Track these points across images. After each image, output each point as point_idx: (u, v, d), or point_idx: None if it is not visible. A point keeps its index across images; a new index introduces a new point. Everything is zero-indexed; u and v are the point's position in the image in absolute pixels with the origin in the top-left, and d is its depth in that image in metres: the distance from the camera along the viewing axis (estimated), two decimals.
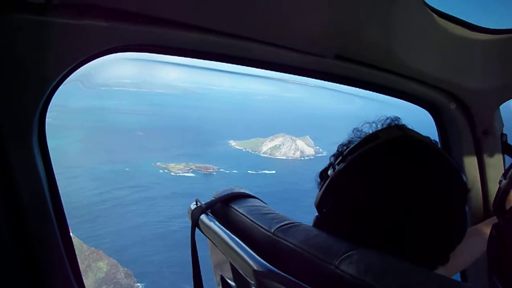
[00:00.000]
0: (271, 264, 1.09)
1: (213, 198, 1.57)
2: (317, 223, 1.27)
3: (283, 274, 1.05)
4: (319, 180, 1.30)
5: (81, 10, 1.34)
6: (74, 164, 30.51)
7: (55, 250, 1.60)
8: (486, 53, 1.90)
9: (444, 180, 1.18)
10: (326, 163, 1.32)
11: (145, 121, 43.25)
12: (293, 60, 1.84)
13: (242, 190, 1.60)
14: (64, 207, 1.64)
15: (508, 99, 2.22)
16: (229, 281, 1.58)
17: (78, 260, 1.73)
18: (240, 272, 1.20)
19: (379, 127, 1.27)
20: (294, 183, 30.63)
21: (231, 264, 1.40)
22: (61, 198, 1.62)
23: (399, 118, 1.30)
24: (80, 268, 1.72)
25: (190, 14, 1.47)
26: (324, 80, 2.02)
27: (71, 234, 1.71)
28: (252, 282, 1.11)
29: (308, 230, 1.22)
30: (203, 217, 1.47)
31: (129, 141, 37.96)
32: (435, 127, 2.38)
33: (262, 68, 1.85)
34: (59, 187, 1.61)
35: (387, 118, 1.29)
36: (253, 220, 1.35)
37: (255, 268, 1.09)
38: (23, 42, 1.33)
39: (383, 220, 1.12)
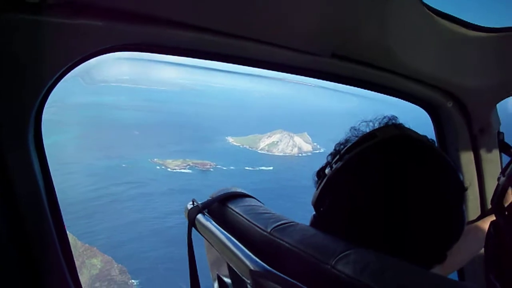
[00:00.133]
0: (267, 264, 1.08)
1: (210, 198, 1.56)
2: (314, 222, 1.27)
3: (279, 274, 1.05)
4: (316, 179, 1.30)
5: (77, 10, 1.33)
6: (70, 160, 30.50)
7: (52, 249, 1.60)
8: (483, 51, 1.90)
9: (441, 178, 1.19)
10: (323, 159, 1.32)
11: (142, 117, 43.21)
12: (290, 59, 1.84)
13: (239, 190, 1.60)
14: (59, 203, 1.64)
15: (505, 98, 2.21)
16: (225, 279, 1.57)
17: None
18: (237, 271, 1.19)
19: (376, 126, 1.28)
20: (291, 180, 30.71)
21: (228, 265, 1.40)
22: (57, 194, 1.62)
23: (396, 117, 1.30)
24: None
25: (186, 13, 1.47)
26: (321, 79, 2.02)
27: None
28: (249, 282, 1.10)
29: (305, 229, 1.22)
30: (199, 216, 1.47)
31: (126, 137, 37.91)
32: (432, 125, 2.38)
33: (259, 67, 1.85)
34: (55, 183, 1.60)
35: (384, 117, 1.29)
36: (249, 219, 1.35)
37: (252, 267, 1.09)
38: (19, 42, 1.33)
39: (380, 219, 1.12)
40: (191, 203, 1.57)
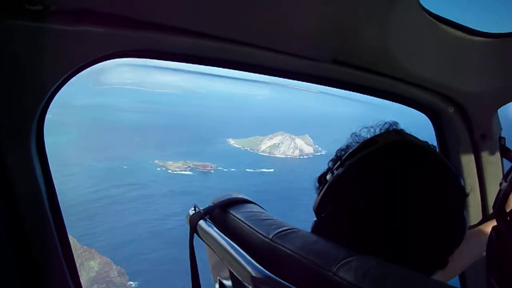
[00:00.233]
0: (269, 270, 1.09)
1: (212, 204, 1.57)
2: (316, 228, 1.27)
3: (281, 280, 1.05)
4: (317, 184, 1.30)
5: (79, 16, 1.34)
6: (71, 161, 30.47)
7: (52, 250, 1.61)
8: (484, 57, 1.90)
9: (442, 184, 1.19)
10: (324, 162, 1.32)
11: (144, 119, 43.20)
12: (290, 65, 1.85)
13: (241, 196, 1.60)
14: (59, 205, 1.64)
15: (506, 103, 2.22)
16: (226, 284, 1.58)
17: None
18: (238, 278, 1.20)
19: (377, 131, 1.28)
20: (292, 182, 30.64)
21: (230, 271, 1.40)
22: (57, 196, 1.63)
23: (397, 122, 1.30)
24: None
25: (186, 19, 1.48)
26: (322, 84, 2.03)
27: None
28: None
29: (306, 236, 1.22)
30: (201, 222, 1.47)
31: (127, 139, 37.90)
32: (433, 131, 2.38)
33: (259, 73, 1.86)
34: (55, 184, 1.61)
35: (385, 123, 1.29)
36: (251, 226, 1.35)
37: (253, 274, 1.09)
38: (21, 49, 1.34)
39: (381, 225, 1.12)
40: (192, 209, 1.56)
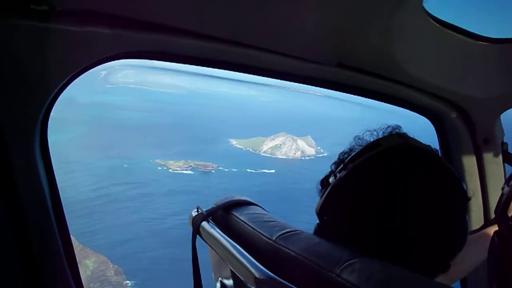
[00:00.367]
0: (272, 272, 1.09)
1: (214, 205, 1.57)
2: (318, 230, 1.28)
3: (284, 282, 1.06)
4: (320, 187, 1.31)
5: (84, 17, 1.35)
6: (73, 159, 30.45)
7: (55, 252, 1.61)
8: (487, 62, 1.90)
9: (445, 188, 1.19)
10: (326, 163, 1.33)
11: (147, 118, 43.18)
12: (294, 68, 1.85)
13: (243, 198, 1.61)
14: (62, 205, 1.64)
15: (509, 108, 2.22)
16: (227, 284, 1.58)
17: None
18: (242, 279, 1.20)
19: (380, 135, 1.28)
20: (293, 183, 30.62)
21: (231, 270, 1.40)
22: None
23: (400, 126, 1.31)
24: None
25: (191, 21, 1.48)
26: (326, 88, 2.03)
27: None
28: None
29: (310, 238, 1.23)
30: (204, 224, 1.48)
31: (129, 137, 37.88)
32: (436, 135, 2.38)
33: (263, 75, 1.86)
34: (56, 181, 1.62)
35: (388, 126, 1.30)
36: (254, 227, 1.36)
37: (257, 275, 1.10)
38: (26, 49, 1.34)
39: (384, 227, 1.12)
40: (195, 210, 1.57)
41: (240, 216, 1.46)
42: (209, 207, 1.58)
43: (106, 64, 1.55)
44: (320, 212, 1.26)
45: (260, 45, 1.64)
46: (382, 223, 1.13)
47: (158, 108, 46.11)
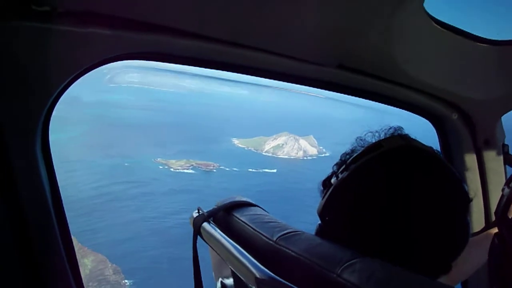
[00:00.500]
0: (273, 272, 1.10)
1: (215, 206, 1.58)
2: (320, 231, 1.28)
3: (285, 282, 1.06)
4: (322, 188, 1.31)
5: (85, 18, 1.35)
6: (74, 157, 30.47)
7: (56, 252, 1.61)
8: (488, 63, 1.90)
9: (446, 189, 1.20)
10: (328, 163, 1.33)
11: (149, 117, 43.18)
12: (295, 69, 1.86)
13: (244, 199, 1.61)
14: (63, 205, 1.65)
15: (510, 110, 2.22)
16: (228, 284, 1.58)
17: None
18: (243, 279, 1.20)
19: (382, 136, 1.29)
20: (294, 182, 30.62)
21: (232, 271, 1.41)
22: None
23: (402, 127, 1.31)
24: None
25: (192, 22, 1.49)
26: (327, 89, 2.03)
27: None
28: None
29: (311, 238, 1.24)
30: (205, 225, 1.48)
31: (131, 136, 37.88)
32: (437, 136, 2.38)
33: (264, 77, 1.86)
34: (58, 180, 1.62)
35: (390, 128, 1.31)
36: (255, 228, 1.37)
37: (258, 276, 1.10)
38: (28, 49, 1.34)
39: (385, 228, 1.13)
40: (196, 211, 1.57)
41: (241, 217, 1.47)
42: (210, 206, 1.59)
43: (109, 65, 1.56)
44: (322, 213, 1.26)
45: (260, 46, 1.65)
46: (384, 224, 1.13)
47: (160, 107, 46.12)
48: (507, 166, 2.37)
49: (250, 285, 1.15)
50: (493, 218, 2.34)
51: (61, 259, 1.63)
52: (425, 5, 1.55)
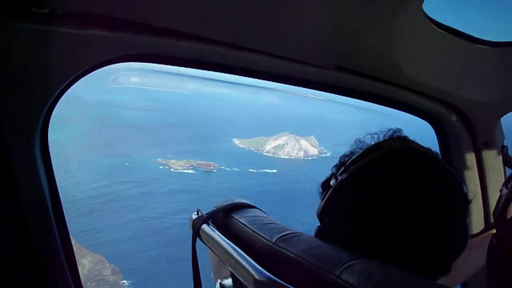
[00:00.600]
0: (272, 274, 1.10)
1: (214, 208, 1.58)
2: (319, 233, 1.29)
3: (284, 283, 1.06)
4: (321, 190, 1.31)
5: (85, 20, 1.35)
6: (75, 157, 30.42)
7: (55, 253, 1.62)
8: (487, 65, 1.91)
9: (446, 191, 1.20)
10: (329, 164, 1.33)
11: (150, 117, 43.11)
12: (294, 71, 1.86)
13: (243, 201, 1.61)
14: (62, 206, 1.65)
15: (509, 111, 2.22)
16: (227, 286, 1.59)
17: None
18: (242, 281, 1.21)
19: (381, 138, 1.29)
20: (295, 182, 30.54)
21: (231, 272, 1.41)
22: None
23: (401, 129, 1.31)
24: None
25: (191, 25, 1.49)
26: (326, 91, 2.03)
27: None
28: None
29: (309, 240, 1.24)
30: (204, 226, 1.49)
31: (132, 136, 37.80)
32: (436, 138, 2.38)
33: (263, 79, 1.87)
34: (57, 180, 1.62)
35: (389, 130, 1.31)
36: (254, 230, 1.37)
37: (257, 277, 1.10)
38: (28, 51, 1.35)
39: (384, 230, 1.13)
40: (195, 213, 1.58)
41: (240, 218, 1.47)
42: (210, 206, 1.59)
43: (111, 67, 1.56)
44: (321, 215, 1.27)
45: (259, 48, 1.65)
46: (383, 226, 1.13)
47: (161, 107, 46.05)
48: (506, 167, 2.37)
49: (249, 287, 1.15)
50: (493, 219, 2.34)
51: (60, 259, 1.63)
52: (424, 7, 1.55)
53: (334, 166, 1.31)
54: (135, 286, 20.24)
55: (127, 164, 32.30)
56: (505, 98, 2.11)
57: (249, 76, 1.84)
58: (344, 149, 1.34)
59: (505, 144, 2.35)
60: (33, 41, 1.32)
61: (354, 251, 1.09)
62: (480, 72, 1.97)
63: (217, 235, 1.40)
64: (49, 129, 1.55)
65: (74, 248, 1.71)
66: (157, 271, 20.52)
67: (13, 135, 1.43)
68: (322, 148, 36.89)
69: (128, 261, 21.21)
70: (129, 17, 1.41)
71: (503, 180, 2.37)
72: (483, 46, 1.80)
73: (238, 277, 1.23)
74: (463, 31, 1.76)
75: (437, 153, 1.28)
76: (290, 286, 1.05)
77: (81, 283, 1.75)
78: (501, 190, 1.31)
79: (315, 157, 35.92)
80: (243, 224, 1.43)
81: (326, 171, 1.34)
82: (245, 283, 1.18)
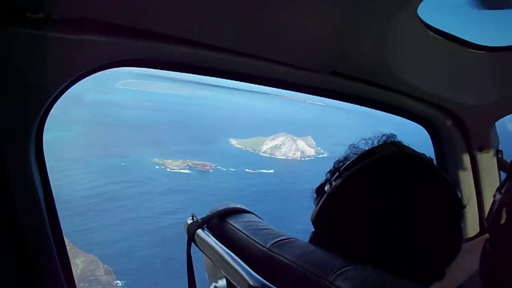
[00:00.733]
0: (266, 280, 1.10)
1: (209, 213, 1.58)
2: (314, 238, 1.28)
3: None
4: (315, 195, 1.31)
5: (80, 25, 1.35)
6: (71, 157, 30.34)
7: (49, 256, 1.62)
8: (482, 70, 1.91)
9: (440, 196, 1.20)
10: (326, 164, 1.34)
11: (146, 117, 43.03)
12: (289, 76, 1.86)
13: (238, 206, 1.61)
14: (57, 209, 1.66)
15: (504, 116, 2.23)
16: None
17: None
18: (236, 286, 1.21)
19: (375, 143, 1.29)
20: (291, 183, 30.58)
21: (226, 277, 1.41)
22: (53, 191, 1.64)
23: (395, 135, 1.31)
24: None
25: (186, 29, 1.49)
26: (320, 96, 2.04)
27: None
28: None
29: (304, 245, 1.24)
30: (199, 231, 1.49)
31: (128, 136, 37.72)
32: (431, 143, 2.39)
33: (258, 83, 1.86)
34: (52, 180, 1.62)
35: (383, 135, 1.31)
36: (248, 235, 1.37)
37: (251, 283, 1.10)
38: (22, 56, 1.34)
39: (379, 236, 1.13)
40: (190, 218, 1.58)
41: (235, 223, 1.47)
42: (206, 206, 1.60)
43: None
44: (316, 220, 1.27)
45: (254, 53, 1.65)
46: (377, 231, 1.13)
47: (158, 107, 45.98)
48: (501, 171, 2.38)
49: None
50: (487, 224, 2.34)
51: (54, 260, 1.64)
52: (419, 12, 1.55)
53: (328, 172, 1.31)
54: (128, 286, 20.15)
55: (123, 164, 32.23)
56: (500, 102, 2.11)
57: (244, 81, 1.85)
58: (342, 150, 1.35)
59: (500, 148, 2.36)
60: (28, 46, 1.32)
61: (349, 256, 1.08)
62: (475, 77, 1.98)
63: (212, 240, 1.40)
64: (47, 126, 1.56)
65: (68, 248, 1.71)
66: (151, 271, 20.46)
67: (8, 138, 1.43)
68: (319, 148, 36.91)
69: (122, 261, 21.12)
70: (124, 22, 1.40)
71: (497, 184, 2.37)
72: (477, 51, 1.80)
73: (233, 282, 1.23)
74: (457, 36, 1.77)
75: (431, 158, 1.28)
76: None
77: (74, 283, 1.75)
78: (494, 196, 1.32)
79: (312, 158, 35.96)
80: (237, 229, 1.43)
81: (323, 172, 1.34)
82: None
